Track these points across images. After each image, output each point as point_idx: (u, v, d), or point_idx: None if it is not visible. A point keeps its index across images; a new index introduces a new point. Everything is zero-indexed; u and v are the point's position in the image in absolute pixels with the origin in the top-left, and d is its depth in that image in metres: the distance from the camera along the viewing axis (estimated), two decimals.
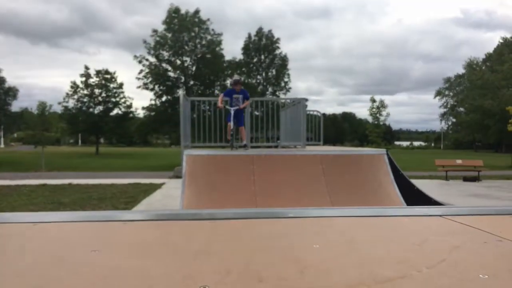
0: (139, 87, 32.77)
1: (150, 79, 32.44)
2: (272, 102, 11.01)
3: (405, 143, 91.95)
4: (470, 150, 62.16)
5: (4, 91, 36.43)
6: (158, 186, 12.96)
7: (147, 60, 32.51)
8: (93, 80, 41.86)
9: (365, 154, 7.24)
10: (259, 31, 40.34)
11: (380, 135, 29.74)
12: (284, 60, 40.20)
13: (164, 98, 32.77)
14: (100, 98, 42.03)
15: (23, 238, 1.47)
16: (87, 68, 41.77)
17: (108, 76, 42.19)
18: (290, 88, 40.26)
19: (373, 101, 30.12)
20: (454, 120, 66.41)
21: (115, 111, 42.93)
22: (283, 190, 6.23)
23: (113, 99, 42.30)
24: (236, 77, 8.54)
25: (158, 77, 32.23)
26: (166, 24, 32.40)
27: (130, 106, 42.88)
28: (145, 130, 37.82)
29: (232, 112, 7.59)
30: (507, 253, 1.30)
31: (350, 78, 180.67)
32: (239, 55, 39.85)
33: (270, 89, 39.95)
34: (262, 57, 40.09)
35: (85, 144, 70.53)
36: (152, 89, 32.59)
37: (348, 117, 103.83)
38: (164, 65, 33.01)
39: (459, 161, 17.48)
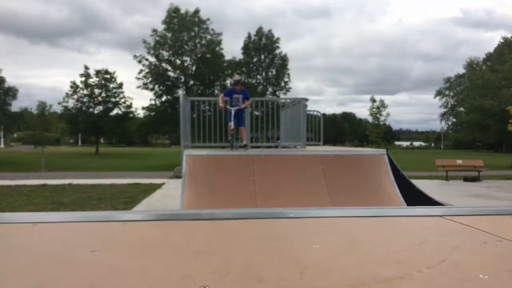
0: (139, 87, 32.84)
1: (150, 79, 32.47)
2: (272, 102, 11.01)
3: (405, 143, 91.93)
4: (470, 150, 62.17)
5: (4, 91, 36.47)
6: (158, 186, 12.96)
7: (147, 60, 32.59)
8: (93, 80, 41.95)
9: (365, 154, 7.24)
10: (259, 31, 40.36)
11: (380, 135, 29.74)
12: (284, 60, 40.22)
13: (164, 98, 32.80)
14: (100, 98, 42.06)
15: (23, 238, 1.47)
16: (87, 68, 41.87)
17: (108, 76, 42.23)
18: (290, 88, 40.34)
19: (373, 101, 30.14)
20: (454, 120, 66.45)
21: (115, 111, 43.04)
22: (283, 190, 6.23)
23: (113, 99, 42.35)
24: (236, 77, 8.54)
25: (158, 77, 32.24)
26: (166, 24, 32.42)
27: (130, 106, 42.97)
28: (145, 130, 37.85)
29: (233, 112, 7.59)
30: (507, 253, 1.30)
31: (349, 78, 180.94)
32: (239, 55, 39.92)
33: (270, 89, 39.98)
34: (262, 56, 40.11)
35: (85, 144, 70.55)
36: (152, 89, 32.63)
37: (348, 117, 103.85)
38: (164, 65, 33.05)
39: (459, 161, 17.48)
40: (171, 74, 33.24)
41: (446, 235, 1.51)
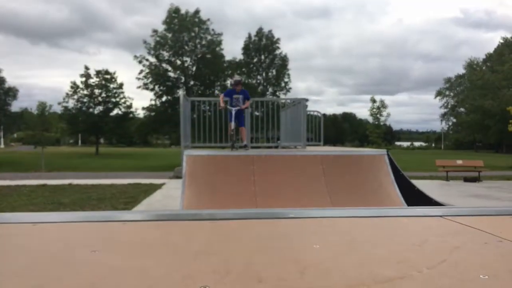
0: (139, 87, 32.87)
1: (150, 79, 32.49)
2: (272, 102, 11.01)
3: (405, 144, 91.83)
4: (470, 151, 62.16)
5: (4, 91, 36.50)
6: (158, 186, 12.96)
7: (147, 60, 32.60)
8: (93, 80, 41.94)
9: (365, 154, 7.24)
10: (259, 31, 40.39)
11: (381, 136, 29.75)
12: (284, 60, 40.25)
13: (164, 98, 32.82)
14: (100, 98, 42.06)
15: (23, 238, 1.47)
16: (87, 68, 41.86)
17: (108, 76, 42.22)
18: (290, 88, 40.35)
19: (374, 101, 30.15)
20: (454, 120, 66.45)
21: (115, 111, 43.02)
22: (283, 190, 6.23)
23: (113, 99, 42.34)
24: (237, 77, 8.54)
25: (158, 77, 32.26)
26: (166, 24, 32.44)
27: (130, 106, 42.96)
28: (145, 130, 37.86)
29: (233, 112, 7.59)
30: (507, 253, 1.30)
31: (350, 78, 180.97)
32: (239, 55, 39.96)
33: (270, 89, 40.00)
34: (262, 57, 40.14)
35: (85, 145, 70.57)
36: (152, 89, 32.65)
37: (348, 117, 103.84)
38: (164, 65, 33.07)
39: (459, 162, 17.47)
40: (171, 74, 33.27)
41: (446, 236, 1.51)
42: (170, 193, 11.13)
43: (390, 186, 6.53)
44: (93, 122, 41.22)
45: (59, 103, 41.13)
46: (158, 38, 32.25)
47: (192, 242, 1.42)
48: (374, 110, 30.00)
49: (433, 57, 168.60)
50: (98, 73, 42.02)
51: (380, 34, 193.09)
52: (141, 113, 38.90)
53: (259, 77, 40.40)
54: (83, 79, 41.54)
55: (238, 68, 37.86)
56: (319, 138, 10.31)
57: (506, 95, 45.01)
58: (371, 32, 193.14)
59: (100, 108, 42.41)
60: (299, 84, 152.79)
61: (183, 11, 32.86)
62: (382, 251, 1.31)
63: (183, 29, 32.34)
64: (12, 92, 37.27)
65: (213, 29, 33.72)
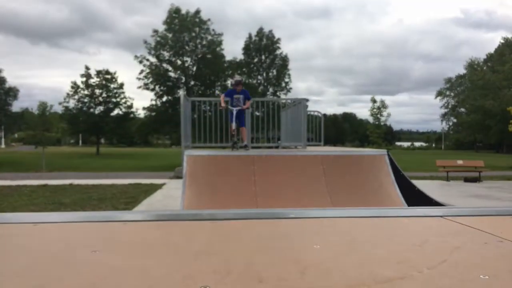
0: (139, 87, 32.88)
1: (150, 79, 32.51)
2: (272, 102, 11.01)
3: (406, 144, 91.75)
4: (471, 151, 62.11)
5: (4, 91, 36.54)
6: (159, 186, 12.96)
7: (147, 60, 32.62)
8: (94, 80, 41.96)
9: (366, 154, 7.24)
10: (260, 31, 40.37)
11: (381, 136, 29.78)
12: (284, 60, 40.23)
13: (164, 99, 32.84)
14: (100, 98, 42.08)
15: (24, 238, 1.47)
16: (87, 68, 41.90)
17: (109, 76, 42.25)
18: (290, 88, 40.33)
19: (374, 101, 30.19)
20: (455, 120, 66.41)
21: (116, 111, 43.04)
22: (284, 190, 6.23)
23: (114, 99, 42.36)
24: (237, 77, 8.55)
25: (159, 77, 32.28)
26: (166, 24, 32.45)
27: (130, 107, 42.98)
28: (145, 130, 37.87)
29: (234, 112, 7.59)
30: (508, 253, 1.30)
31: (350, 78, 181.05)
32: (239, 55, 39.95)
33: (270, 90, 39.98)
34: (263, 57, 40.12)
35: (85, 145, 70.59)
36: (152, 90, 32.67)
37: (348, 118, 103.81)
38: (164, 65, 33.09)
39: (460, 162, 17.46)
40: (171, 74, 33.28)
41: (446, 236, 1.51)
42: (170, 193, 11.13)
43: (391, 186, 6.53)
44: (93, 122, 41.24)
45: (59, 103, 41.25)
46: (158, 38, 32.28)
47: (192, 242, 1.42)
48: (375, 110, 30.05)
49: (434, 57, 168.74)
50: (98, 73, 42.06)
51: (380, 34, 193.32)
52: (141, 113, 39.00)
53: (259, 77, 40.40)
54: (84, 79, 41.61)
55: (238, 68, 37.86)
56: (320, 138, 10.31)
57: (507, 95, 45.00)
58: (371, 32, 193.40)
59: (101, 108, 42.44)
60: (300, 84, 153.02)
61: (183, 11, 32.91)
62: (383, 251, 1.31)
63: (183, 29, 32.35)
64: (12, 92, 37.33)
65: (213, 29, 33.78)
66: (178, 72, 33.21)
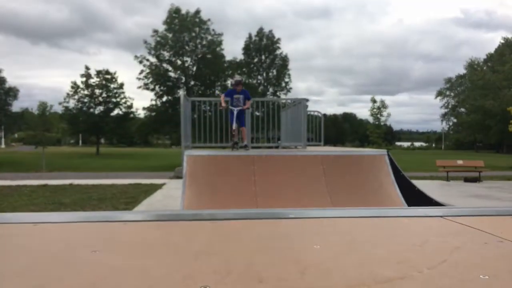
0: (139, 87, 32.89)
1: (150, 80, 32.51)
2: (272, 102, 11.01)
3: (406, 144, 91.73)
4: (471, 151, 62.10)
5: (4, 91, 36.53)
6: (159, 186, 12.96)
7: (147, 60, 32.63)
8: (94, 80, 41.97)
9: (366, 154, 7.24)
10: (260, 31, 40.37)
11: (381, 136, 29.79)
12: (284, 60, 40.24)
13: (164, 99, 32.85)
14: (100, 99, 42.08)
15: (24, 238, 1.47)
16: (87, 68, 41.90)
17: (109, 77, 42.26)
18: (290, 88, 40.35)
19: (374, 101, 30.21)
20: (455, 120, 66.41)
21: (116, 111, 43.04)
22: (284, 190, 6.23)
23: (114, 100, 42.36)
24: (237, 77, 8.55)
25: (159, 78, 32.28)
26: (166, 24, 32.46)
27: (130, 107, 42.99)
28: (145, 130, 37.88)
29: (235, 112, 7.60)
30: (508, 253, 1.30)
31: (350, 78, 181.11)
32: (239, 55, 39.96)
33: (270, 90, 39.98)
34: (263, 57, 40.13)
35: (85, 145, 70.57)
36: (152, 90, 32.67)
37: (348, 118, 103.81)
38: (164, 65, 33.09)
39: (460, 162, 17.45)
40: (171, 74, 33.29)
41: (446, 236, 1.51)
42: (170, 193, 11.13)
43: (391, 186, 6.53)
44: (93, 122, 41.24)
45: (59, 103, 41.25)
46: (158, 38, 32.29)
47: (192, 242, 1.42)
48: (375, 110, 30.07)
49: (434, 57, 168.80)
50: (98, 73, 42.07)
51: (380, 34, 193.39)
52: (141, 113, 39.00)
53: (259, 77, 40.41)
54: (84, 79, 41.61)
55: (238, 68, 37.87)
56: (320, 138, 10.31)
57: (507, 95, 45.01)
58: (371, 32, 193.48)
59: (101, 108, 42.44)
60: (300, 84, 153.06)
61: (183, 11, 32.92)
62: (383, 251, 1.31)
63: (183, 29, 32.36)
64: (12, 92, 37.33)
65: (213, 29, 33.79)
66: (178, 72, 33.22)
